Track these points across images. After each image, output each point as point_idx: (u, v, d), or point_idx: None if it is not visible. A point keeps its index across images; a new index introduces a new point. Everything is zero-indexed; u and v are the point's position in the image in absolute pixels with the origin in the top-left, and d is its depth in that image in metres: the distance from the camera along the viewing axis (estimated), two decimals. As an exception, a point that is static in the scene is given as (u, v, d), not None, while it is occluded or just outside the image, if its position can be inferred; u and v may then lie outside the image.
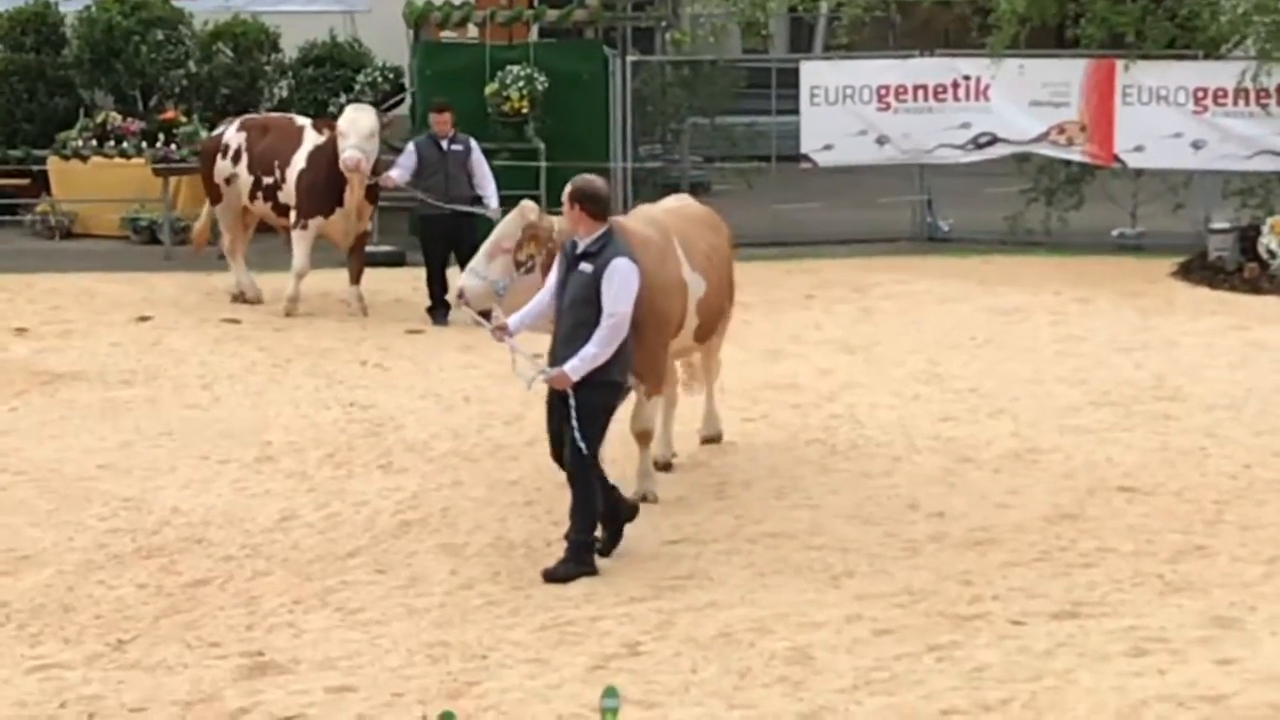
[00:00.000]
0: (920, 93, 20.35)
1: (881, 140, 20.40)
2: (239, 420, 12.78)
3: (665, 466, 11.36)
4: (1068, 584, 9.34)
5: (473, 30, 21.03)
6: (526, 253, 10.38)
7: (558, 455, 9.75)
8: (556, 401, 9.61)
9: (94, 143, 20.66)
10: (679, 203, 11.96)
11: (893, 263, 19.33)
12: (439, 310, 16.15)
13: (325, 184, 16.02)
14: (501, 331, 9.81)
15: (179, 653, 8.55)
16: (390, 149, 17.20)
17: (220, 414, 13.01)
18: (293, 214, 16.30)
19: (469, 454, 11.89)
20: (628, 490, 10.29)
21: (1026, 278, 18.34)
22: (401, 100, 21.52)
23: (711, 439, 12.01)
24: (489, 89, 19.92)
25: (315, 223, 16.26)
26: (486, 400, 13.22)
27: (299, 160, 16.23)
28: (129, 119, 20.99)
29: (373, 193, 16.28)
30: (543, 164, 19.37)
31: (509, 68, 20.03)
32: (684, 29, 22.14)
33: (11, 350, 15.07)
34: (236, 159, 16.60)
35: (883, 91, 20.32)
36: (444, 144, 16.09)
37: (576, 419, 9.42)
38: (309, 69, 21.96)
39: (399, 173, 16.11)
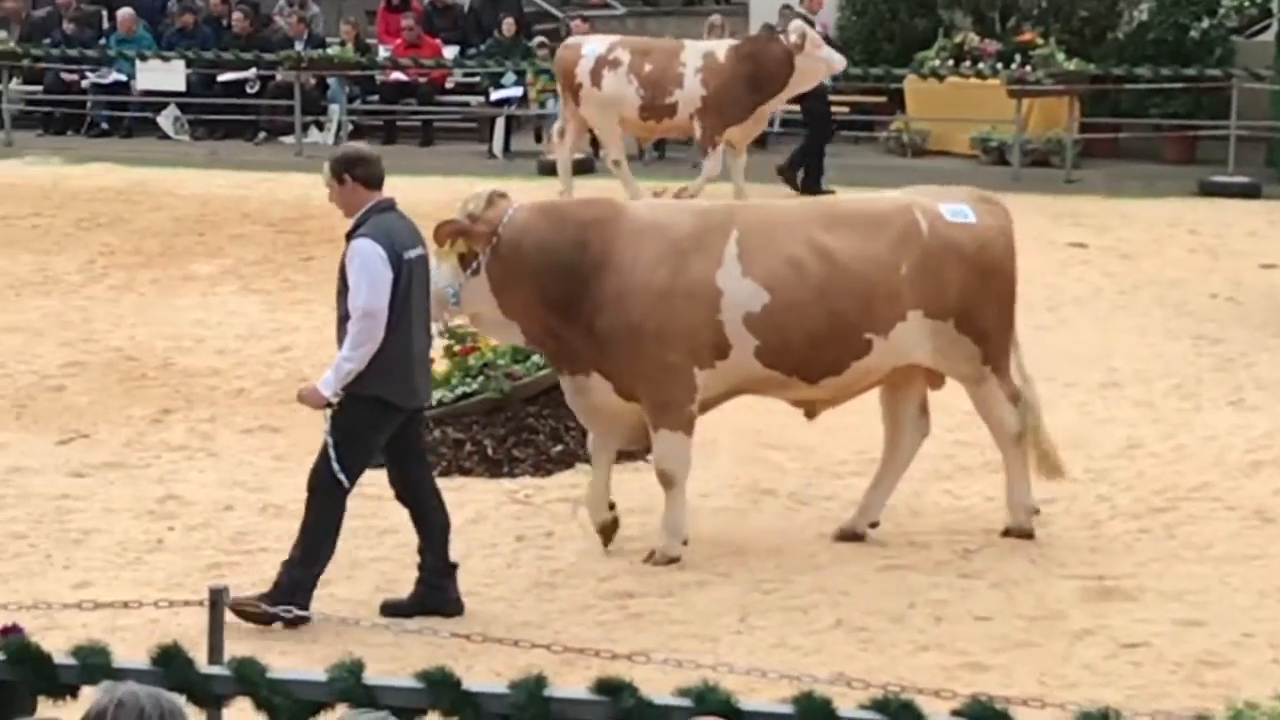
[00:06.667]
0: None
1: None
2: (1084, 344, 12.71)
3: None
4: None
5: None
6: (458, 250, 8.53)
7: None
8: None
9: (950, 63, 20.98)
10: (906, 191, 9.34)
11: None
12: None
13: None
14: None
15: (1024, 568, 8.65)
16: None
17: (1066, 337, 12.98)
18: None
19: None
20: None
21: None
22: (1267, 26, 20.66)
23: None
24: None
25: None
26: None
27: None
28: (986, 40, 21.18)
29: None
30: None
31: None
32: None
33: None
34: None
35: None
36: None
37: (331, 439, 7.86)
38: (1173, -10, 21.38)
39: None
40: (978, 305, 8.89)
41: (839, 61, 17.10)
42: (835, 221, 8.84)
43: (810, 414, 9.34)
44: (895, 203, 9.03)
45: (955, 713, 5.07)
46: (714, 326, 8.61)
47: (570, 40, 18.11)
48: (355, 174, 7.99)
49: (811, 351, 8.70)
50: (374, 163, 8.08)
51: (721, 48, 17.28)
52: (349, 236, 7.97)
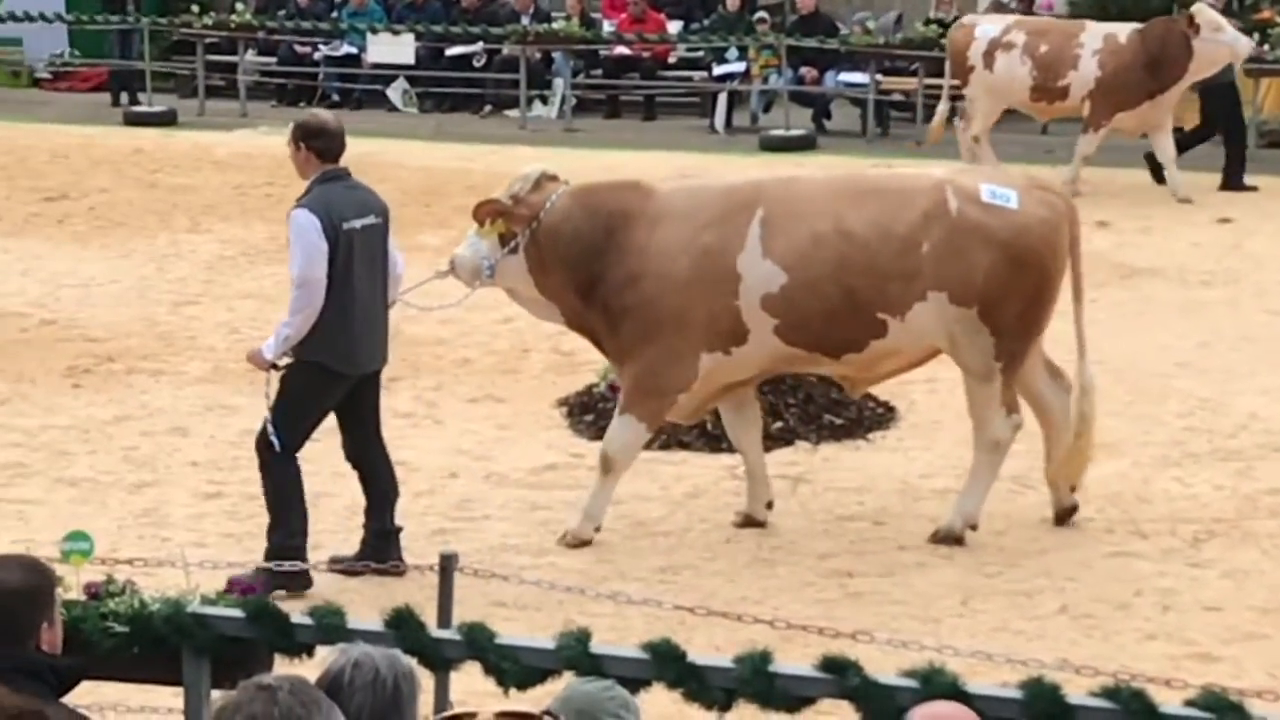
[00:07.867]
0: None
1: None
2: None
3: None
4: None
5: None
6: (497, 229, 8.61)
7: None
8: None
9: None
10: (937, 169, 9.01)
11: None
12: None
13: None
14: None
15: (1255, 558, 8.46)
16: None
17: (1301, 323, 12.66)
18: None
19: None
20: None
21: None
22: None
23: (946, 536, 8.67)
24: None
25: None
26: None
27: None
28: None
29: None
30: None
31: None
32: None
33: (1094, 242, 15.29)
34: None
35: None
36: None
37: (273, 400, 8.06)
38: None
39: None
40: (1004, 295, 8.38)
41: (1245, 46, 16.37)
42: (862, 196, 8.51)
43: (852, 389, 9.20)
44: (928, 179, 8.61)
45: (1188, 703, 4.98)
46: (731, 312, 8.42)
47: (965, 20, 17.64)
48: (312, 145, 8.10)
49: (829, 328, 8.44)
50: (333, 136, 8.13)
51: (1124, 30, 16.77)
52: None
